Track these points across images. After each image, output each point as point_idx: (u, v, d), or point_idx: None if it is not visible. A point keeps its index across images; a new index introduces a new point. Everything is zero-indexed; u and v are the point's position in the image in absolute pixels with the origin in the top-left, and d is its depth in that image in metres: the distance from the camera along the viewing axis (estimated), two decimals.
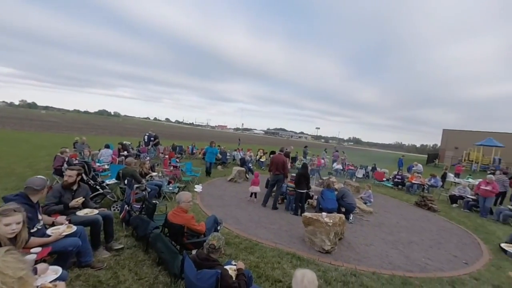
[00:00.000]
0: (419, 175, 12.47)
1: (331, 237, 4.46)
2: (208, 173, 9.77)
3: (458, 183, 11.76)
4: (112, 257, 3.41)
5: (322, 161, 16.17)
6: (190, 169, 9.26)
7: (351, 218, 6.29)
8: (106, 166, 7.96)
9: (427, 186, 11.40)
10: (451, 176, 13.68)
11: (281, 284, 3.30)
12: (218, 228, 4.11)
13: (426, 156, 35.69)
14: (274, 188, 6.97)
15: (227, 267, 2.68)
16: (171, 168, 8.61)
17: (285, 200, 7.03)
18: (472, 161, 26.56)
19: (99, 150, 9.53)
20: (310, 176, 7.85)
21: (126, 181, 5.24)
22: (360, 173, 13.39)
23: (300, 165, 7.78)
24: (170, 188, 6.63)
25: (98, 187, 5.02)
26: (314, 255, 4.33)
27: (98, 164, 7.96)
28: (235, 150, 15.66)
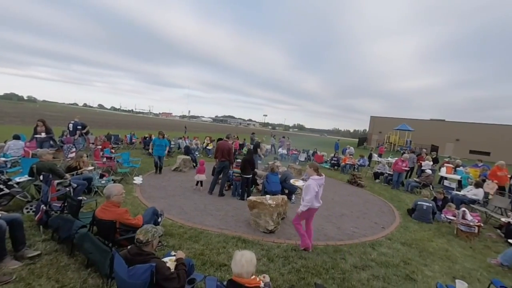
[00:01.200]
0: (351, 156, 14.14)
1: (274, 217, 4.70)
2: (158, 168, 8.33)
3: (379, 161, 13.77)
4: (24, 267, 2.88)
5: (268, 147, 16.82)
6: (128, 160, 8.43)
7: (293, 198, 6.75)
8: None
9: (357, 165, 13.03)
10: (375, 156, 15.92)
11: (226, 267, 3.34)
12: (159, 220, 3.88)
13: (358, 140, 40.64)
14: (221, 175, 6.93)
15: (166, 258, 2.55)
16: (104, 159, 7.67)
17: (231, 186, 7.07)
18: (391, 143, 31.44)
19: (5, 142, 7.79)
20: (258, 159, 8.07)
21: (42, 177, 4.43)
22: (302, 157, 14.42)
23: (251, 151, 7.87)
24: (103, 182, 5.92)
25: (1, 186, 4.12)
26: (259, 236, 4.52)
27: (3, 158, 6.52)
28: (180, 138, 14.90)
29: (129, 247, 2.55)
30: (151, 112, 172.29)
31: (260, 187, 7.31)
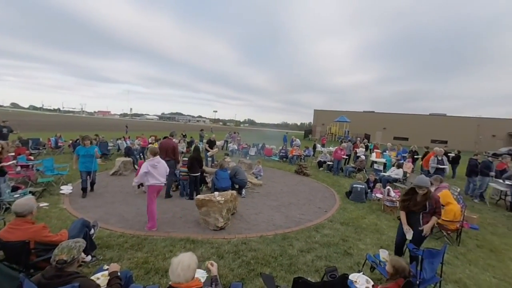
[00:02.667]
0: (298, 148, 15.00)
1: (224, 213, 4.66)
2: (85, 191, 5.99)
3: (321, 151, 14.97)
4: None
5: (220, 143, 16.59)
6: (52, 167, 7.22)
7: (243, 192, 6.80)
8: None
9: (303, 156, 13.89)
10: (319, 147, 17.24)
11: None
12: (92, 232, 3.43)
13: (304, 132, 43.33)
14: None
15: (97, 274, 2.27)
16: (18, 169, 6.41)
17: (179, 187, 6.73)
18: (332, 133, 34.52)
19: None
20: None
21: None
22: (252, 151, 14.67)
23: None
24: (17, 196, 4.94)
25: None
26: (208, 234, 4.42)
27: None
28: (119, 138, 13.50)
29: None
30: (83, 111, 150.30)
31: (210, 184, 7.16)
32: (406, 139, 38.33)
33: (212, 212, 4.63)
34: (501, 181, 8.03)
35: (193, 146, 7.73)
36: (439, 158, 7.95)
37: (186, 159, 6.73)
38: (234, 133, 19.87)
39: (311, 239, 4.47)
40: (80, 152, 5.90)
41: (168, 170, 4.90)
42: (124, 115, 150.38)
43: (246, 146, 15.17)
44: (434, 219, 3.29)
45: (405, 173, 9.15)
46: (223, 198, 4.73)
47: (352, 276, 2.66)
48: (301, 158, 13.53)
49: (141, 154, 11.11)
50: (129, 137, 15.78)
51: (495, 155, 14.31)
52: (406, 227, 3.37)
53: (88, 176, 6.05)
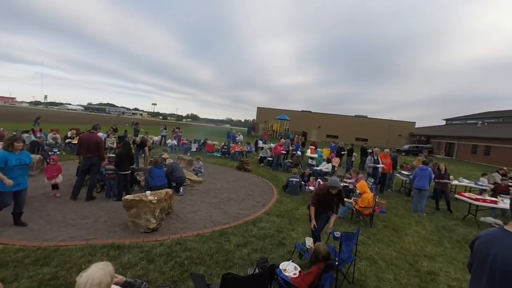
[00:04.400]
0: (240, 144, 15.17)
1: (157, 214, 4.32)
2: None
3: (262, 147, 15.53)
4: None
5: (157, 138, 15.45)
6: None
7: (181, 190, 6.48)
8: None
9: (245, 152, 14.13)
10: (260, 143, 17.81)
11: None
12: None
13: (247, 128, 44.12)
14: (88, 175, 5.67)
15: None
16: None
17: (105, 187, 5.95)
18: (274, 130, 36.21)
19: None
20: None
21: None
22: (194, 147, 14.15)
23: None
24: None
25: None
26: (138, 237, 4.04)
27: None
28: (26, 131, 11.12)
29: None
30: None
31: (143, 183, 6.56)
32: (336, 136, 43.21)
33: (143, 213, 4.24)
34: (404, 172, 9.84)
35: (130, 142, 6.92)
36: (375, 158, 8.57)
37: (113, 155, 5.98)
38: (177, 128, 18.78)
39: (248, 233, 4.56)
40: (11, 162, 3.81)
41: None
42: (36, 103, 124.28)
43: (187, 141, 14.51)
44: (334, 217, 3.81)
45: (333, 167, 10.26)
46: (155, 197, 4.38)
47: (282, 265, 2.82)
48: (243, 154, 13.72)
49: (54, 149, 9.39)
50: (40, 130, 13.17)
51: (399, 151, 17.35)
52: (313, 224, 3.74)
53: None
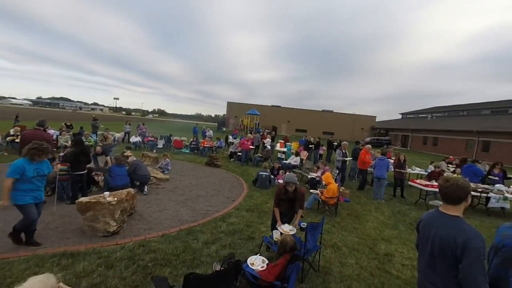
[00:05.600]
0: (210, 139, 14.87)
1: (117, 216, 4.03)
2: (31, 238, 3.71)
3: (233, 142, 15.43)
4: None
5: (118, 135, 14.44)
6: None
7: (146, 189, 6.13)
8: None
9: (215, 147, 13.89)
10: (231, 138, 17.65)
11: None
12: None
13: (217, 123, 43.41)
14: None
15: None
16: None
17: (56, 190, 5.37)
18: (245, 125, 36.12)
19: None
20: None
21: None
22: (160, 144, 13.51)
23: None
24: None
25: None
26: (96, 242, 3.72)
27: None
28: None
29: None
30: None
31: (102, 184, 6.07)
32: (305, 131, 44.64)
33: (101, 216, 3.92)
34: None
35: (89, 139, 6.30)
36: (344, 151, 8.76)
37: (66, 154, 5.42)
38: (142, 124, 17.72)
39: (216, 229, 4.49)
40: (29, 173, 3.29)
41: None
42: None
43: (152, 138, 13.78)
44: (300, 212, 3.77)
45: (302, 160, 10.57)
46: (115, 198, 4.07)
47: (250, 259, 2.81)
48: (212, 150, 13.48)
49: None
50: None
51: (358, 143, 18.47)
52: (279, 224, 3.66)
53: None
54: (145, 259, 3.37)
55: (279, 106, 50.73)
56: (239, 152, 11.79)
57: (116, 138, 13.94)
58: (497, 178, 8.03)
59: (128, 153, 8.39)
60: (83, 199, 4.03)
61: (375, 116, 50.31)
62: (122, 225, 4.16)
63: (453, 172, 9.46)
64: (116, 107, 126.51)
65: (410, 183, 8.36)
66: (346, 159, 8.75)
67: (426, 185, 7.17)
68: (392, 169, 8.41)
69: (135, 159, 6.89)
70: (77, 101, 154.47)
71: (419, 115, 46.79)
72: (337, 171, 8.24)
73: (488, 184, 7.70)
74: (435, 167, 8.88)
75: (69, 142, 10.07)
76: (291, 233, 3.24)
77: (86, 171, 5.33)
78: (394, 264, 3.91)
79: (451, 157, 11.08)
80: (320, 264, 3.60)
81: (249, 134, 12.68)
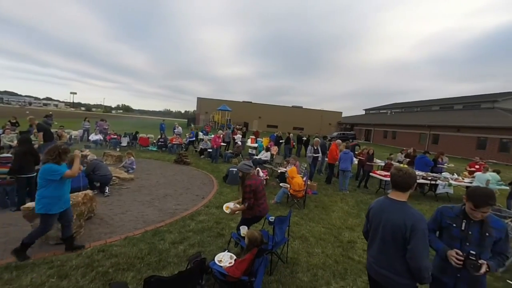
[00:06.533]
0: (179, 136, 14.35)
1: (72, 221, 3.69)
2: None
3: (203, 139, 15.10)
4: None
5: (76, 132, 13.26)
6: None
7: (107, 190, 5.72)
8: None
9: (184, 144, 13.46)
10: (201, 134, 17.24)
11: None
12: None
13: (187, 120, 42.16)
14: None
15: None
16: None
17: None
18: (216, 122, 35.56)
19: None
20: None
21: None
22: (124, 142, 12.70)
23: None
24: None
25: None
26: (47, 251, 3.38)
27: None
28: None
29: None
30: None
31: None
32: (276, 126, 45.43)
33: None
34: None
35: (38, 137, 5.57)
36: (315, 148, 8.87)
37: (8, 155, 4.82)
38: (102, 120, 16.45)
39: (185, 228, 4.36)
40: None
41: None
42: None
43: (115, 136, 12.88)
44: (242, 206, 3.49)
45: (272, 155, 10.73)
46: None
47: (217, 256, 2.78)
48: (182, 147, 13.05)
49: None
50: None
51: (325, 138, 19.32)
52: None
53: None
54: (105, 264, 3.15)
55: (251, 102, 50.82)
56: (210, 148, 11.58)
57: (73, 137, 12.80)
58: (444, 166, 9.10)
59: (85, 152, 7.74)
60: (29, 204, 3.63)
61: (341, 112, 53.00)
62: (79, 231, 3.84)
63: (400, 162, 10.33)
64: (73, 102, 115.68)
65: (371, 174, 8.97)
66: (318, 155, 8.87)
67: (385, 176, 7.75)
68: (356, 162, 8.95)
69: (95, 158, 6.37)
70: (26, 96, 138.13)
71: (380, 111, 50.30)
72: (305, 165, 8.52)
73: (436, 173, 8.61)
74: (387, 159, 9.59)
75: (14, 142, 8.98)
76: (227, 211, 3.60)
77: (35, 173, 4.79)
78: (356, 250, 4.17)
79: (405, 148, 12.17)
80: (289, 256, 3.70)
81: (220, 131, 12.47)
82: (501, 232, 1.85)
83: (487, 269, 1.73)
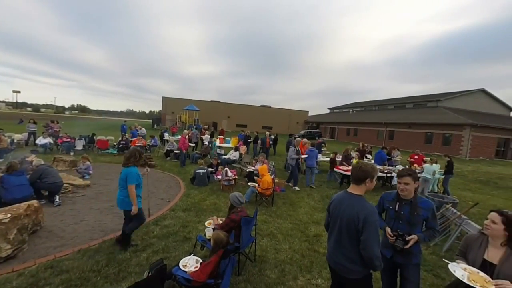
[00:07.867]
0: (142, 137, 13.58)
1: (12, 236, 3.26)
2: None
3: (168, 140, 14.50)
4: None
5: (20, 136, 11.76)
6: None
7: (57, 199, 5.16)
8: None
9: (148, 146, 12.77)
10: (166, 135, 16.52)
11: None
12: None
13: (152, 120, 40.13)
14: None
15: None
16: None
17: None
18: (183, 122, 34.37)
19: None
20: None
21: None
22: (80, 145, 11.60)
23: None
24: None
25: None
26: None
27: None
28: None
29: None
30: None
31: None
32: (245, 125, 45.51)
33: None
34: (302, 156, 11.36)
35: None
36: (297, 149, 8.15)
37: None
38: (52, 121, 14.81)
39: (148, 235, 4.14)
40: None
41: None
42: None
43: (68, 139, 11.71)
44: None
45: (241, 154, 10.71)
46: (8, 215, 3.28)
47: (182, 261, 2.67)
48: (146, 149, 12.36)
49: None
50: None
51: (291, 135, 19.92)
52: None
53: None
54: (54, 282, 2.83)
55: (219, 102, 50.16)
56: (176, 150, 11.14)
57: (15, 141, 11.33)
58: (398, 159, 10.10)
59: (31, 157, 6.88)
60: None
61: (308, 111, 55.02)
62: (21, 247, 3.39)
63: (352, 157, 11.05)
64: (17, 102, 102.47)
65: (335, 169, 9.45)
66: (302, 156, 8.17)
67: (347, 170, 8.23)
68: (321, 158, 9.36)
69: (42, 163, 5.69)
70: None
71: (343, 110, 53.36)
72: (273, 163, 8.64)
73: (390, 166, 9.41)
74: (342, 155, 10.08)
75: None
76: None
77: None
78: (321, 243, 4.34)
79: (360, 144, 13.10)
80: (257, 254, 3.72)
81: (185, 130, 12.07)
82: (428, 211, 2.22)
83: (416, 242, 2.14)
